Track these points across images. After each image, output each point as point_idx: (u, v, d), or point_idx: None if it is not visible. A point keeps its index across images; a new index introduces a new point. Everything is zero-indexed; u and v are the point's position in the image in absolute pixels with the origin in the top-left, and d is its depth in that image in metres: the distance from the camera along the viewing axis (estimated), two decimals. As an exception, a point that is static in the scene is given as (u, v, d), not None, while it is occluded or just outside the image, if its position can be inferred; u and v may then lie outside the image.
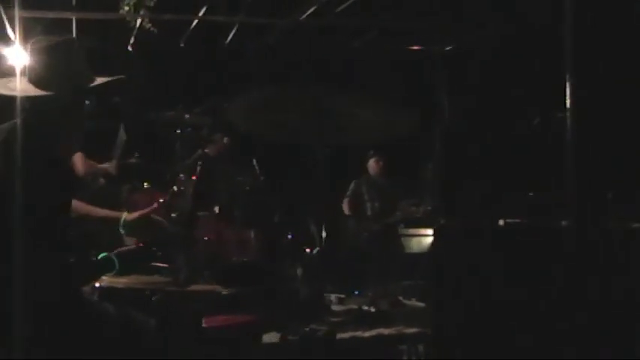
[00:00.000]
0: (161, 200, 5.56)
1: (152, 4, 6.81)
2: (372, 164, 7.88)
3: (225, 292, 3.44)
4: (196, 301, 3.25)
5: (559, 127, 3.87)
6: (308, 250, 5.79)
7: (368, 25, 7.79)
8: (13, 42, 7.22)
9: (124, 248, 3.47)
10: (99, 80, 3.19)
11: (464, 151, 7.29)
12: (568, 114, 3.15)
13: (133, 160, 6.13)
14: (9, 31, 7.08)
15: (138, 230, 3.72)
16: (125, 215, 3.65)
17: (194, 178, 5.77)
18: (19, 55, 7.25)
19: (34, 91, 3.04)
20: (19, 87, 3.12)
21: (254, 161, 6.77)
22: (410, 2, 6.97)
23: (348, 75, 7.90)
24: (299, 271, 5.40)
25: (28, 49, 3.16)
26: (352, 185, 7.92)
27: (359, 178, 7.95)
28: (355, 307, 5.49)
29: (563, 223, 3.90)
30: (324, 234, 5.59)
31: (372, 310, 5.32)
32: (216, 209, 6.08)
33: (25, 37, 7.17)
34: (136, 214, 3.70)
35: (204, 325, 3.12)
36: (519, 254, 3.84)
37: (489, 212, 4.04)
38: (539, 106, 5.70)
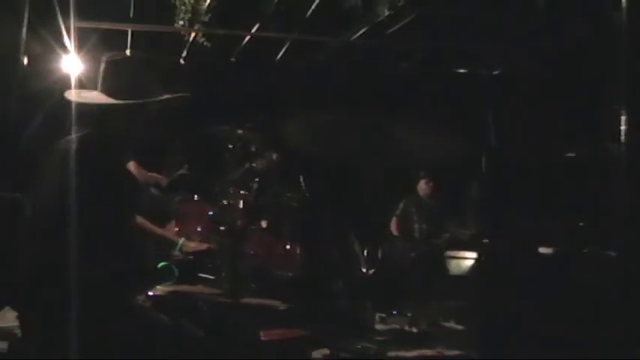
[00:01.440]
0: (210, 213, 5.68)
1: (207, 19, 6.89)
2: (422, 185, 7.83)
3: (282, 307, 3.48)
4: (249, 314, 3.31)
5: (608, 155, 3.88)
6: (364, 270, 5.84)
7: (417, 46, 7.82)
8: (69, 52, 7.36)
9: (181, 258, 3.55)
10: (166, 95, 3.29)
11: (510, 175, 7.26)
12: (623, 144, 3.15)
13: (182, 172, 6.22)
14: (66, 40, 7.18)
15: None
16: (182, 242, 3.77)
17: (242, 192, 5.87)
18: (74, 65, 7.43)
19: (105, 99, 3.14)
20: (92, 97, 3.22)
21: (301, 178, 6.82)
22: (460, 25, 6.99)
23: (396, 95, 7.93)
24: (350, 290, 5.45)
25: (102, 63, 3.27)
26: (401, 205, 7.87)
27: (407, 198, 7.91)
28: (397, 327, 5.53)
29: (611, 252, 3.91)
30: (379, 254, 5.61)
31: (414, 330, 5.36)
32: (264, 224, 6.14)
33: (81, 47, 7.36)
34: (191, 246, 3.82)
35: (262, 337, 3.17)
36: (564, 281, 3.87)
37: (533, 238, 4.06)
38: (587, 133, 5.70)
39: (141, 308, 3.29)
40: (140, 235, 3.46)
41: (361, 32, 7.28)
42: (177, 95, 3.32)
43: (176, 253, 3.72)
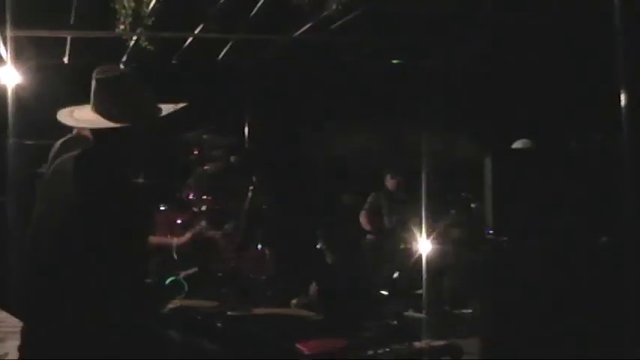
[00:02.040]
0: (179, 221, 5.61)
1: (150, 22, 6.75)
2: (388, 180, 7.82)
3: (315, 317, 3.45)
4: (266, 326, 3.26)
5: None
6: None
7: (362, 41, 7.82)
8: (5, 62, 7.10)
9: (189, 271, 3.49)
10: (166, 109, 3.19)
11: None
12: (624, 137, 3.21)
13: (140, 180, 6.09)
14: (2, 50, 6.94)
15: (191, 252, 3.75)
16: (175, 241, 3.68)
17: (205, 197, 5.81)
18: (10, 76, 7.16)
19: (104, 123, 3.00)
20: (85, 117, 3.09)
21: (254, 178, 6.76)
22: (406, 19, 7.03)
23: (345, 90, 7.92)
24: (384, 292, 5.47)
25: (93, 79, 3.15)
26: (370, 198, 7.84)
27: (376, 192, 7.86)
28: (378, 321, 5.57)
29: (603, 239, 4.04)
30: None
31: (396, 323, 5.41)
32: (227, 227, 6.08)
33: (18, 56, 7.10)
34: (183, 239, 3.74)
35: (305, 352, 3.13)
36: (562, 269, 3.97)
37: (529, 230, 4.16)
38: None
39: (151, 327, 3.23)
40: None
41: (305, 28, 7.26)
42: (177, 107, 3.22)
43: (175, 256, 3.62)
